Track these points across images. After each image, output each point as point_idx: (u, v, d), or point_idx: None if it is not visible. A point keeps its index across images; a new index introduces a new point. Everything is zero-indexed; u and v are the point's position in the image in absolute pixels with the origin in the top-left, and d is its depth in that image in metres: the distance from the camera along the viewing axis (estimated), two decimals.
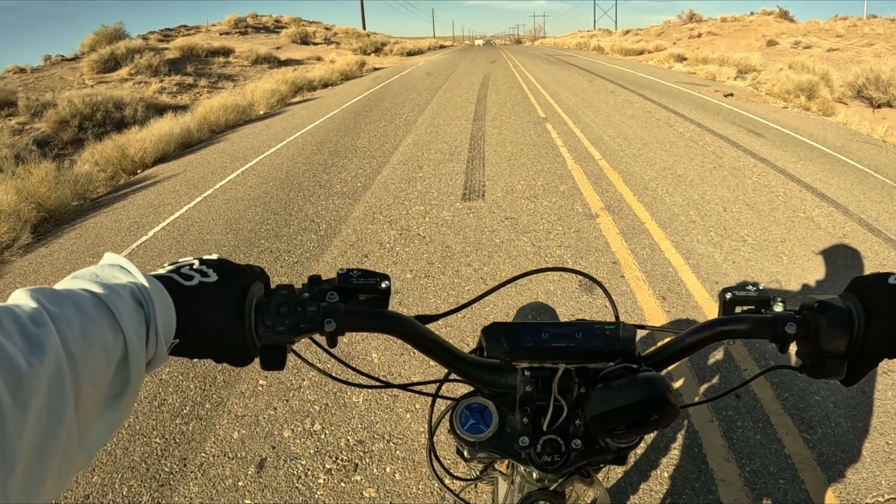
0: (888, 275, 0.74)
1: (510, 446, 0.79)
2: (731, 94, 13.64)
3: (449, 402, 0.83)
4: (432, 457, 0.94)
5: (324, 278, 0.77)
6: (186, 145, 9.82)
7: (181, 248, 4.98)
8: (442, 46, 66.48)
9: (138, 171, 8.32)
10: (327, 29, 56.98)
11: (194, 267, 0.68)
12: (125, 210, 6.36)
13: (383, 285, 0.77)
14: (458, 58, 32.98)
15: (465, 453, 0.87)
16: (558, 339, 0.77)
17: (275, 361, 0.70)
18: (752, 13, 46.91)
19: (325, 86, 18.52)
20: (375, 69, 24.39)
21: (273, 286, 0.75)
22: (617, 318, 0.91)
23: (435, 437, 1.07)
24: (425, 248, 4.54)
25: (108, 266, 0.59)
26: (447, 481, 1.79)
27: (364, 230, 5.01)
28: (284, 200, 6.00)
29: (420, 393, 0.91)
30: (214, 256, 0.72)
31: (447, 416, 0.81)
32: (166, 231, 5.46)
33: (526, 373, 0.77)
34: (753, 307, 0.80)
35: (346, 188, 6.27)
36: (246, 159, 8.08)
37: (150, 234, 5.43)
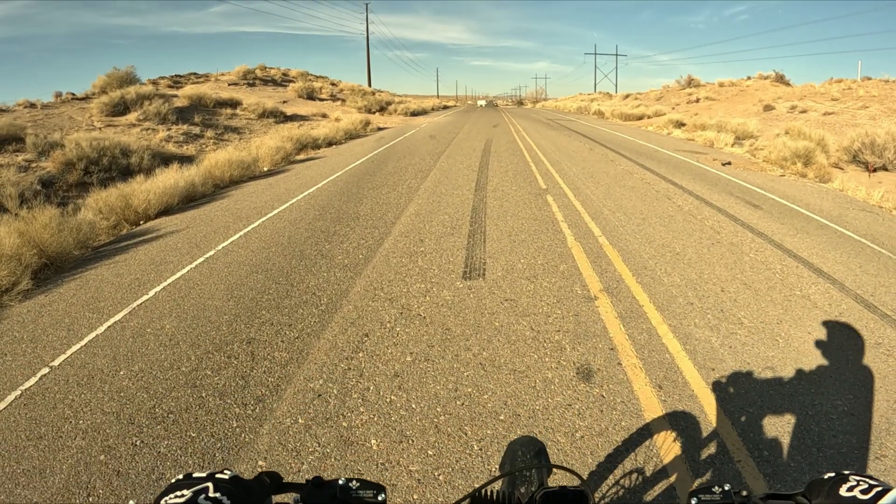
0: (842, 481, 0.75)
1: None
2: (729, 163, 13.92)
3: None
4: None
5: (324, 479, 0.82)
6: (190, 199, 9.97)
7: (182, 311, 5.01)
8: (445, 107, 68.21)
9: (141, 223, 8.43)
10: (333, 84, 58.32)
11: (210, 494, 0.69)
12: (126, 264, 6.43)
13: (380, 498, 0.81)
14: (460, 120, 33.81)
15: None
16: None
17: None
18: (748, 77, 48.11)
19: (330, 144, 18.95)
20: (379, 129, 24.99)
21: (282, 484, 0.81)
22: None
23: None
24: (425, 330, 4.59)
25: None
26: None
27: (365, 307, 5.06)
28: (286, 269, 6.07)
29: None
30: (227, 475, 0.73)
31: None
32: (167, 292, 5.50)
33: None
34: None
35: (348, 259, 6.35)
36: (249, 220, 8.22)
37: (151, 293, 5.47)
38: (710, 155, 16.29)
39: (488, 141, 19.08)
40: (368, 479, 1.27)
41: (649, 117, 33.77)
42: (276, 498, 0.80)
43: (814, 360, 4.06)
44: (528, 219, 7.90)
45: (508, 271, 5.84)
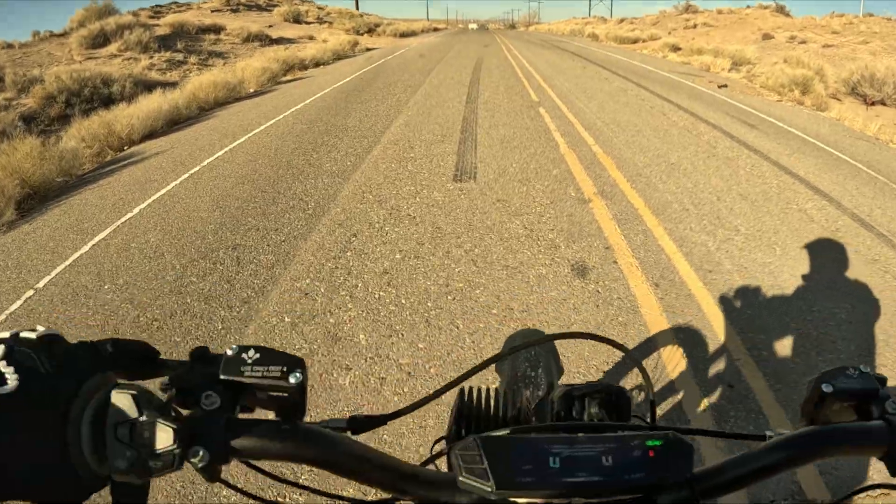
0: None
1: None
2: (726, 86, 13.59)
3: None
4: None
5: (212, 351, 0.53)
6: (175, 122, 9.63)
7: (167, 225, 4.86)
8: (435, 29, 65.77)
9: (125, 148, 8.14)
10: (320, 8, 56.36)
11: None
12: (111, 186, 6.20)
13: (292, 379, 0.51)
14: (451, 41, 32.68)
15: None
16: (575, 468, 0.51)
17: (131, 497, 0.48)
18: (748, 6, 46.87)
19: (317, 65, 18.26)
20: (368, 49, 24.10)
21: (154, 362, 0.53)
22: (653, 419, 0.67)
23: None
24: (415, 229, 4.45)
25: None
26: None
27: (353, 209, 4.91)
28: (273, 178, 5.87)
29: None
30: (35, 334, 0.47)
31: None
32: (152, 208, 5.32)
33: None
34: (854, 403, 0.59)
35: (336, 167, 6.15)
36: (235, 136, 7.91)
37: (136, 210, 5.29)
38: (707, 78, 15.91)
39: (479, 59, 18.45)
40: (285, 350, 0.65)
41: (644, 41, 32.86)
42: (114, 395, 0.48)
43: (811, 269, 3.99)
44: (519, 128, 7.67)
45: (500, 174, 5.68)
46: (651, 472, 0.51)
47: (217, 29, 26.77)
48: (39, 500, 0.44)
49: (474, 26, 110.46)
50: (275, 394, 0.51)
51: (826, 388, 0.57)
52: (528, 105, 9.39)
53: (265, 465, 0.54)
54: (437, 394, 0.61)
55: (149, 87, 13.76)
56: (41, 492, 0.44)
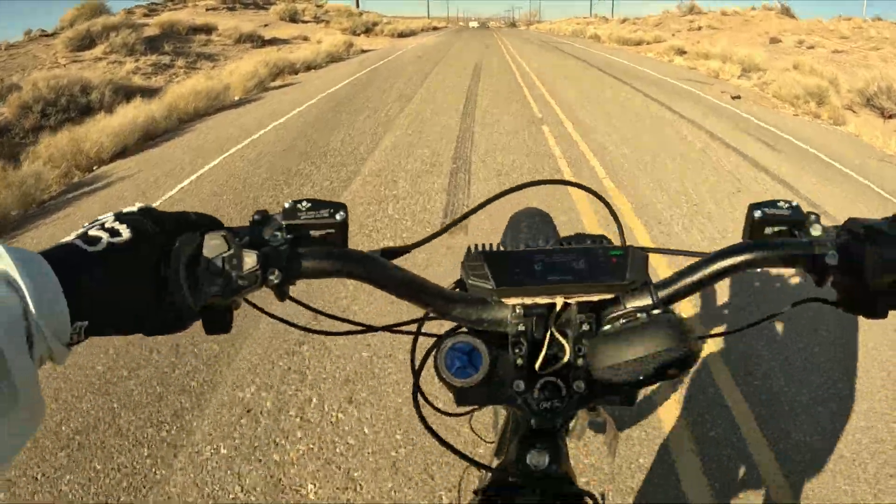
0: None
1: (504, 391, 0.69)
2: (739, 97, 12.83)
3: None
4: (419, 400, 0.74)
5: (271, 213, 0.65)
6: (152, 136, 8.90)
7: None
8: (435, 28, 64.86)
9: (94, 168, 7.41)
10: (319, 6, 55.57)
11: (105, 225, 0.54)
12: (69, 220, 5.46)
13: (338, 216, 0.64)
14: (450, 41, 31.88)
15: (454, 399, 0.70)
16: (555, 271, 0.64)
17: (217, 325, 0.61)
18: (753, 7, 46.10)
19: (309, 69, 17.48)
20: (363, 51, 23.31)
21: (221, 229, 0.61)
22: (623, 241, 0.80)
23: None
24: (390, 308, 3.69)
25: None
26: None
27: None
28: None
29: (403, 333, 0.76)
30: (136, 207, 0.58)
31: (431, 357, 0.68)
32: None
33: (517, 310, 0.65)
34: (785, 228, 0.68)
35: None
36: (207, 158, 7.14)
37: None
38: (717, 86, 15.15)
39: (479, 63, 17.67)
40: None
41: (648, 43, 32.08)
42: (206, 238, 0.58)
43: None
44: (520, 153, 6.88)
45: (499, 224, 4.89)
46: (614, 275, 0.63)
47: (208, 29, 25.98)
48: (148, 331, 0.56)
49: (475, 24, 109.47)
50: (323, 231, 0.64)
51: (757, 214, 0.68)
52: (530, 121, 8.63)
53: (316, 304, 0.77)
54: (450, 226, 0.82)
55: (130, 93, 13.00)
56: (150, 324, 0.55)
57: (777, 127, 9.55)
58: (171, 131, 9.29)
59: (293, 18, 38.17)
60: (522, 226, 1.34)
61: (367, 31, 34.84)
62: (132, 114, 9.15)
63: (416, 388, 0.74)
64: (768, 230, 0.69)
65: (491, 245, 0.71)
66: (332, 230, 0.64)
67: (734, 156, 7.21)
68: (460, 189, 5.57)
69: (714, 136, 8.29)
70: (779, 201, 0.69)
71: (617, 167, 6.43)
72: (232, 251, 0.58)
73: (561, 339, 0.66)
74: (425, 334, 0.73)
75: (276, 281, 0.59)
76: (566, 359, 0.67)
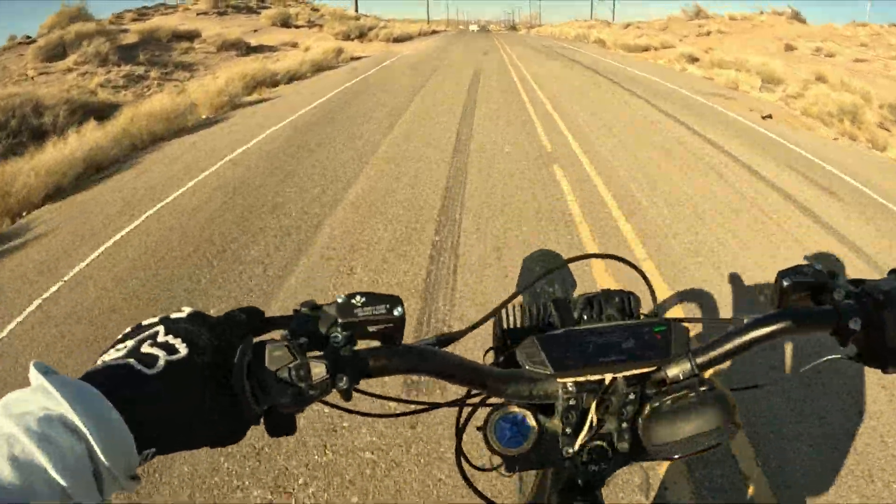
0: None
1: (551, 455, 0.73)
2: (770, 116, 11.36)
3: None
4: (462, 463, 0.80)
5: (319, 303, 0.64)
6: (99, 167, 7.54)
7: None
8: (434, 31, 63.28)
9: (24, 214, 6.03)
10: (315, 10, 54.35)
11: (158, 340, 0.52)
12: None
13: (396, 312, 0.63)
14: (447, 47, 30.40)
15: (504, 469, 0.75)
16: (606, 351, 0.70)
17: (283, 427, 0.61)
18: (761, 12, 44.70)
19: (292, 80, 16.00)
20: (354, 59, 21.80)
21: (264, 319, 0.63)
22: (657, 312, 0.87)
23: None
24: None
25: (33, 392, 0.43)
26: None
27: None
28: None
29: (462, 405, 0.79)
30: (185, 313, 0.57)
31: (483, 431, 0.73)
32: None
33: (570, 387, 0.69)
34: (810, 292, 0.74)
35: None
36: (135, 211, 5.65)
37: None
38: (741, 101, 13.68)
39: (476, 74, 16.22)
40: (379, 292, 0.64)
41: (656, 49, 30.61)
42: (261, 337, 0.60)
43: None
44: (526, 211, 5.36)
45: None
46: (660, 351, 0.70)
47: (191, 36, 24.56)
48: (214, 444, 0.54)
49: (475, 27, 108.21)
50: (381, 327, 0.63)
51: (785, 283, 0.74)
52: (538, 157, 7.15)
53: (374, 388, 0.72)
54: (491, 315, 0.82)
55: (92, 112, 11.58)
56: (216, 436, 0.54)
57: (821, 157, 8.09)
58: (121, 161, 7.88)
59: (285, 23, 36.77)
60: (538, 270, 1.38)
61: (362, 35, 33.39)
62: (76, 144, 7.80)
63: (459, 450, 0.79)
64: (795, 295, 0.74)
65: (521, 313, 0.87)
66: (390, 324, 0.63)
67: (789, 207, 5.75)
68: (441, 282, 3.98)
69: (760, 175, 6.83)
70: (804, 266, 0.75)
71: (653, 230, 4.94)
72: (298, 361, 0.57)
73: (607, 411, 0.70)
74: (470, 405, 0.78)
75: (344, 387, 0.60)
76: (613, 427, 0.71)
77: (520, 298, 0.95)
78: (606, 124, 9.43)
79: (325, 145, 7.88)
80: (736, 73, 19.10)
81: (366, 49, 27.02)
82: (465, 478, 0.78)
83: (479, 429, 0.73)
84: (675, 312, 3.57)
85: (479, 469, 0.81)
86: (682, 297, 3.82)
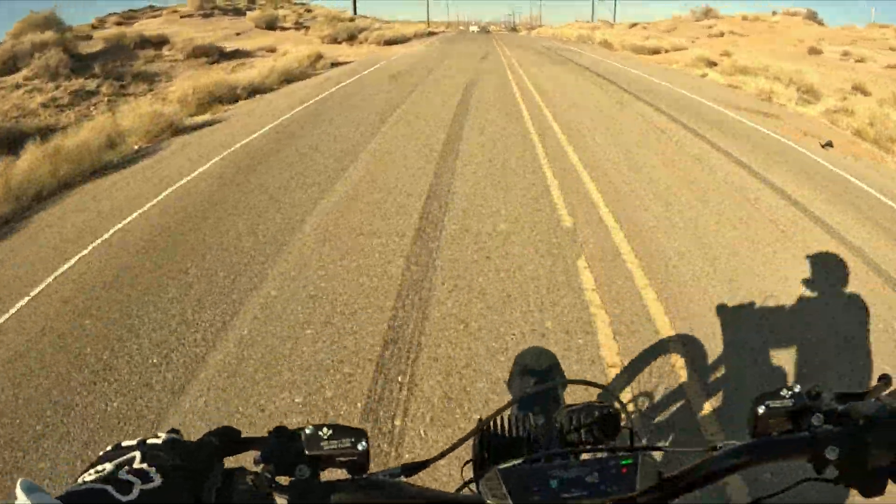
0: None
1: None
2: (831, 144, 9.09)
3: None
4: None
5: (289, 428, 0.69)
6: None
7: None
8: (431, 33, 60.75)
9: None
10: (308, 10, 52.28)
11: (134, 466, 0.56)
12: None
13: (360, 447, 0.68)
14: (442, 51, 28.10)
15: None
16: (568, 487, 0.69)
17: None
18: (774, 12, 42.45)
19: (255, 93, 13.76)
20: (333, 65, 19.45)
21: (239, 441, 0.68)
22: (632, 442, 0.86)
23: None
24: None
25: None
26: None
27: None
28: None
29: None
30: (160, 439, 0.61)
31: None
32: None
33: None
34: (787, 417, 0.73)
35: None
36: None
37: None
38: (784, 119, 11.39)
39: (470, 85, 13.97)
40: (344, 424, 0.75)
41: (666, 51, 28.35)
42: (231, 460, 0.65)
43: None
44: (527, 320, 3.18)
45: None
46: (624, 486, 0.68)
47: (160, 42, 22.32)
48: None
49: (475, 28, 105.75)
50: (346, 458, 0.67)
51: (760, 410, 0.73)
52: (551, 230, 4.86)
53: None
54: (468, 437, 0.82)
55: (19, 140, 9.37)
56: None
57: None
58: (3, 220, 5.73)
59: (271, 26, 34.53)
60: (528, 377, 1.42)
61: (352, 38, 31.12)
62: None
63: None
64: (773, 420, 0.73)
65: (502, 420, 0.92)
66: (354, 458, 0.67)
67: None
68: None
69: (859, 250, 4.60)
70: (782, 390, 0.73)
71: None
72: (262, 495, 0.61)
73: None
74: None
75: None
76: None
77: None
78: (633, 159, 7.17)
79: (257, 193, 5.72)
80: (764, 80, 16.87)
81: (353, 53, 24.76)
82: None
83: None
84: None
85: None
86: None
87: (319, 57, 19.06)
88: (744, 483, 2.32)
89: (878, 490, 0.67)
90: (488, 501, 0.69)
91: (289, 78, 15.70)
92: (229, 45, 25.28)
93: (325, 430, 0.67)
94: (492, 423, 0.89)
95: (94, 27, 35.00)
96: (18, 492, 0.45)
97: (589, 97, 12.65)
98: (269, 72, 15.74)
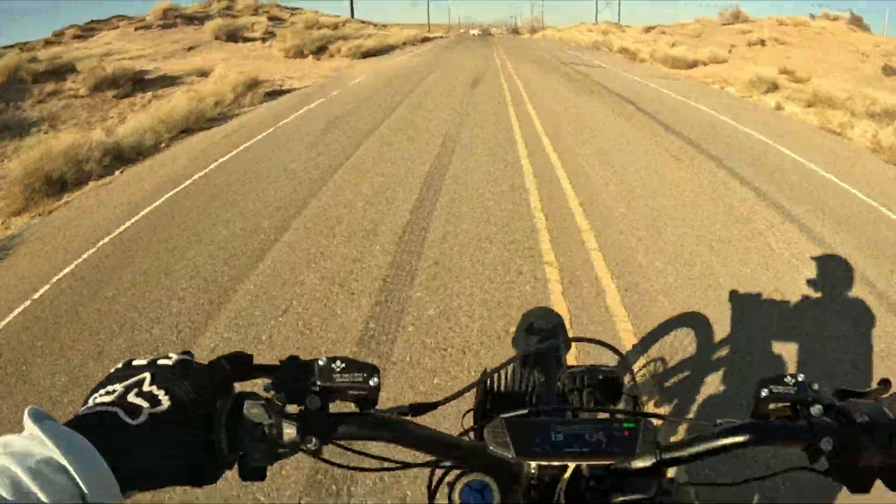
0: None
1: None
2: None
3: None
4: None
5: (302, 359, 0.69)
6: None
7: None
8: (426, 39, 55.43)
9: None
10: (293, 13, 47.72)
11: (143, 389, 0.57)
12: None
13: (372, 382, 0.68)
14: (431, 63, 22.88)
15: None
16: (570, 443, 0.70)
17: (254, 474, 0.64)
18: (812, 15, 37.27)
19: (121, 160, 8.70)
20: (272, 95, 14.28)
21: (252, 367, 0.68)
22: (635, 407, 0.91)
23: None
24: None
25: (28, 439, 0.48)
26: None
27: None
28: None
29: (421, 466, 0.79)
30: (171, 360, 0.61)
31: (447, 492, 0.74)
32: None
33: (533, 470, 0.71)
34: (788, 404, 0.74)
35: None
36: None
37: None
38: None
39: (449, 136, 8.93)
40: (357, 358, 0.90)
41: (704, 64, 23.23)
42: (243, 385, 0.65)
43: None
44: None
45: None
46: (624, 448, 0.69)
47: (62, 71, 17.20)
48: (190, 484, 0.58)
49: (475, 32, 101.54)
50: (356, 392, 0.67)
51: (763, 393, 0.73)
52: None
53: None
54: (473, 386, 0.86)
55: None
56: (191, 479, 0.58)
57: None
58: None
59: (232, 36, 29.49)
60: (534, 335, 1.41)
61: (322, 49, 26.07)
62: None
63: None
64: (773, 406, 0.73)
65: (506, 375, 0.94)
66: (364, 392, 0.67)
67: None
68: None
69: None
70: (786, 376, 0.73)
71: None
72: (272, 420, 0.61)
73: (566, 497, 0.70)
74: (442, 466, 0.80)
75: (313, 448, 0.63)
76: None
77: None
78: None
79: None
80: (868, 122, 11.83)
81: (313, 72, 19.60)
82: None
83: (448, 484, 0.74)
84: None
85: None
86: None
87: (254, 84, 13.95)
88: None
89: (865, 488, 0.68)
90: (490, 448, 0.70)
91: (192, 125, 10.62)
92: (163, 67, 20.23)
93: (338, 362, 0.67)
94: (495, 376, 0.90)
95: (48, 42, 30.18)
96: (27, 421, 0.47)
97: (632, 156, 7.60)
98: (168, 114, 10.70)
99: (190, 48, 27.20)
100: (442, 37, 71.28)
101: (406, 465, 0.80)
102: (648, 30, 47.57)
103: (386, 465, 0.79)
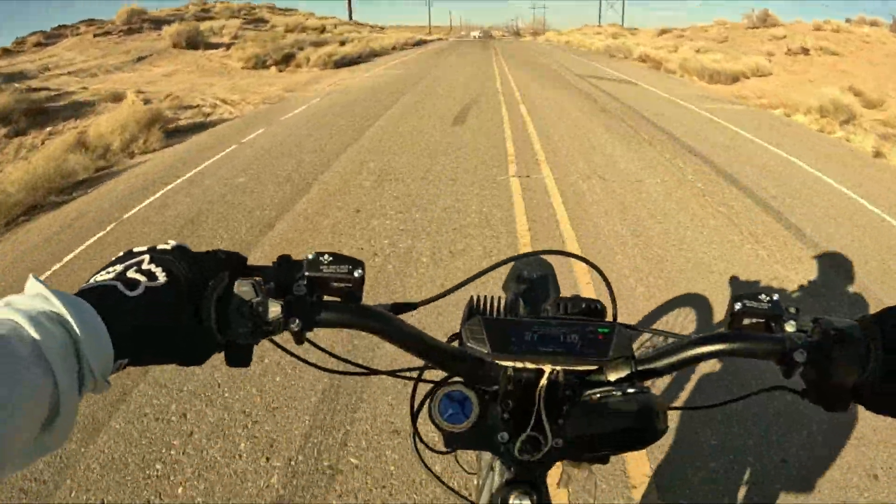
0: None
1: (489, 439, 0.75)
2: None
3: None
4: (417, 443, 0.87)
5: (293, 258, 0.71)
6: None
7: None
8: (421, 42, 51.37)
9: None
10: (284, 13, 44.39)
11: (142, 267, 0.60)
12: None
13: (356, 273, 0.70)
14: (412, 77, 18.91)
15: (443, 442, 0.79)
16: (545, 342, 0.72)
17: (238, 358, 0.66)
18: (847, 20, 33.31)
19: None
20: (187, 130, 10.39)
21: (245, 266, 0.69)
22: (615, 316, 0.89)
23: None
24: None
25: (31, 297, 0.50)
26: (436, 468, 1.40)
27: None
28: None
29: (405, 378, 0.86)
30: (170, 245, 0.64)
31: (427, 403, 0.76)
32: None
33: (509, 372, 0.72)
34: (763, 320, 0.74)
35: None
36: None
37: None
38: None
39: (434, 203, 5.19)
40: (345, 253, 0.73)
41: (747, 77, 19.34)
42: (237, 285, 0.65)
43: None
44: None
45: None
46: (598, 350, 0.71)
47: None
48: (179, 363, 0.60)
49: (477, 34, 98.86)
50: (342, 285, 0.69)
51: (738, 306, 0.73)
52: None
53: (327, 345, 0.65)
54: (456, 287, 0.82)
55: None
56: (181, 357, 0.60)
57: None
58: None
59: (192, 43, 25.62)
60: (524, 281, 1.38)
61: (288, 59, 22.20)
62: None
63: (415, 430, 0.84)
64: (747, 321, 0.73)
65: (493, 300, 0.87)
66: (349, 284, 0.69)
67: None
68: None
69: None
70: (761, 293, 0.74)
71: None
72: (259, 299, 0.62)
73: (543, 403, 0.70)
74: (425, 381, 0.80)
75: (296, 329, 0.64)
76: (546, 420, 0.71)
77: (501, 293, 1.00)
78: None
79: None
80: None
81: (263, 89, 15.67)
82: (419, 456, 0.84)
83: (429, 395, 0.75)
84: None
85: (431, 449, 0.85)
86: None
87: (154, 122, 10.01)
88: None
89: (842, 406, 0.67)
90: (467, 344, 0.72)
91: (45, 197, 6.81)
92: (92, 86, 16.34)
93: (326, 256, 0.68)
94: (483, 299, 0.87)
95: (6, 51, 26.48)
96: (31, 284, 0.49)
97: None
98: (22, 177, 6.92)
99: (140, 59, 23.41)
100: (441, 39, 67.21)
101: (393, 373, 0.86)
102: (662, 33, 43.62)
103: (360, 370, 0.79)
